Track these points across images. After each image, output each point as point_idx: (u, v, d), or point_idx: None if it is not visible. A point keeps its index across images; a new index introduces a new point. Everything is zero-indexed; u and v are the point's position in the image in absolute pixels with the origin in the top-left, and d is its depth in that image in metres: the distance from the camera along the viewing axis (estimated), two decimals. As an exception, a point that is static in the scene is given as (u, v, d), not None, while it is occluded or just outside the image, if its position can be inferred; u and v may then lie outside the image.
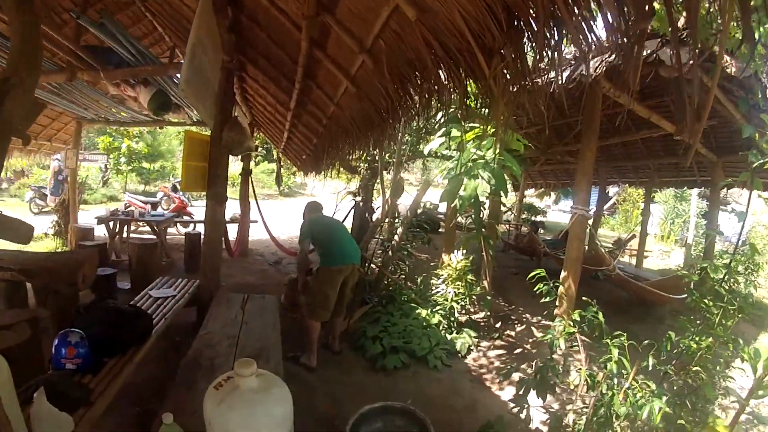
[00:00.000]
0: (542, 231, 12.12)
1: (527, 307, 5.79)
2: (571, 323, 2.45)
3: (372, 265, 6.10)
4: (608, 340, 2.34)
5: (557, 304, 3.94)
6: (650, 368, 2.34)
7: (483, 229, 4.73)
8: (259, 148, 17.84)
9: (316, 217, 4.33)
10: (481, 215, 4.35)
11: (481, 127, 2.87)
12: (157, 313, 3.59)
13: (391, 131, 2.79)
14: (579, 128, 6.74)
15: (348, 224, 6.17)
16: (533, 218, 14.39)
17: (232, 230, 8.19)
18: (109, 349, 2.69)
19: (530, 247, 8.50)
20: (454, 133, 3.36)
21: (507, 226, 11.75)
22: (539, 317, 5.37)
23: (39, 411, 1.77)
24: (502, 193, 4.45)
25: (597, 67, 3.38)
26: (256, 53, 4.02)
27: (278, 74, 3.99)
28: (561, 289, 3.89)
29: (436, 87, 1.85)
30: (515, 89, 1.40)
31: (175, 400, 2.21)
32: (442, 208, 10.24)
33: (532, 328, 5.20)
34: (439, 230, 9.91)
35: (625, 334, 2.44)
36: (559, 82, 3.68)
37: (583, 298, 2.66)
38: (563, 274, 4.09)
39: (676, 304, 5.63)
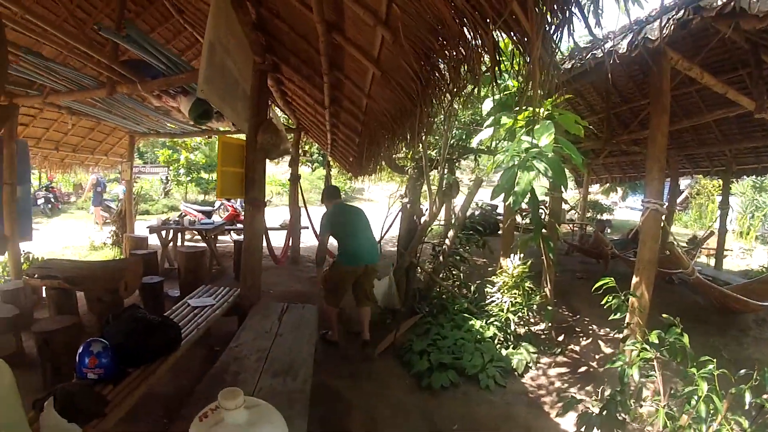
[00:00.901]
0: (609, 230, 11.18)
1: (594, 317, 5.15)
2: (647, 346, 1.97)
3: (423, 272, 5.74)
4: (694, 370, 1.85)
5: (628, 316, 3.38)
6: (747, 406, 1.84)
7: (543, 230, 4.24)
8: (315, 155, 17.96)
9: (336, 209, 4.34)
10: (541, 214, 3.88)
11: (532, 109, 2.46)
12: (192, 323, 3.48)
13: (427, 118, 2.47)
14: (645, 113, 6.06)
15: (395, 228, 5.89)
16: (599, 217, 13.47)
17: (281, 237, 8.14)
18: (135, 359, 2.64)
19: (596, 249, 7.79)
20: (504, 120, 2.96)
21: (571, 226, 10.96)
22: (607, 329, 4.76)
23: (47, 421, 1.77)
24: (563, 189, 3.94)
25: (664, 26, 2.82)
26: (286, 51, 3.88)
27: (310, 71, 3.85)
28: (632, 298, 3.34)
29: (463, 51, 1.52)
30: (554, 19, 1.02)
31: (193, 414, 2.07)
32: (501, 208, 9.65)
33: (600, 342, 4.59)
34: (498, 232, 9.35)
35: (714, 360, 1.94)
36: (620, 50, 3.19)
37: (663, 315, 2.16)
38: (635, 279, 3.51)
39: (761, 312, 4.86)
